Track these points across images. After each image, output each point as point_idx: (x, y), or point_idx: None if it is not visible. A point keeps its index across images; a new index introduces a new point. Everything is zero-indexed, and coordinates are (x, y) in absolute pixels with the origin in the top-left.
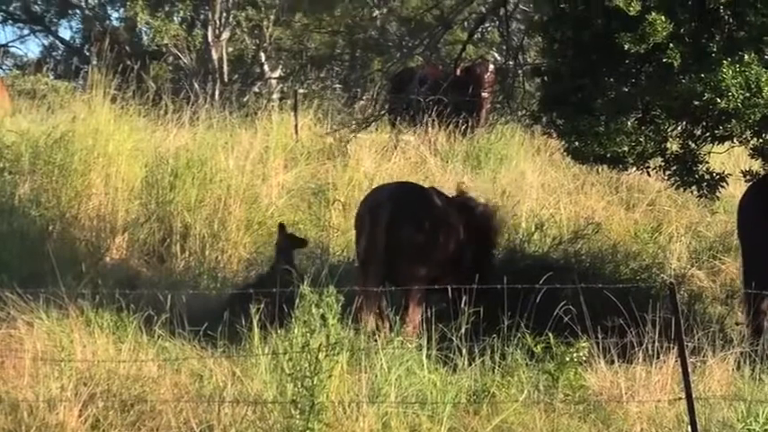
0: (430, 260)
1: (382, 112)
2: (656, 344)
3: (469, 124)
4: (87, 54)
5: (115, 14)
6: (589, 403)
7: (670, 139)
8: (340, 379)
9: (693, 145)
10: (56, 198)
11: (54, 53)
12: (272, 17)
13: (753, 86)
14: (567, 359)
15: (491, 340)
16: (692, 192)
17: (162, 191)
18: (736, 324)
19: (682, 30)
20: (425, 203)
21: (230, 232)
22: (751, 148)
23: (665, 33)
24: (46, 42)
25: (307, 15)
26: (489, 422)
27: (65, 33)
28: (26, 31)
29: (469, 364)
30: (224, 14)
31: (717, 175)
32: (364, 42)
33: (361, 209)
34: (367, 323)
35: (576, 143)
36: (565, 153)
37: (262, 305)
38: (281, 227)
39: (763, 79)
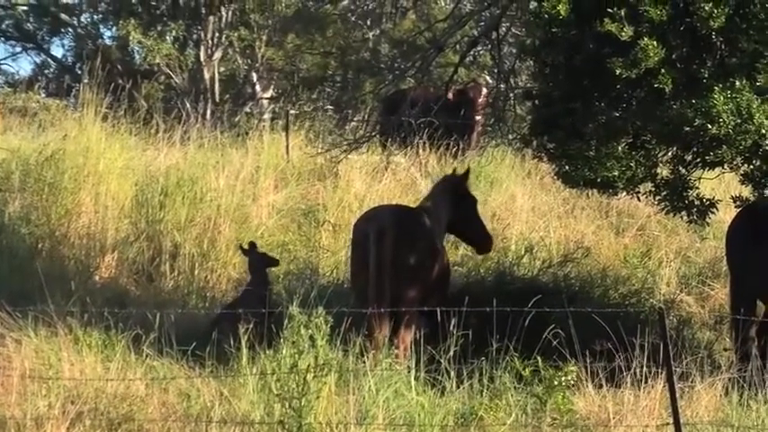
0: (423, 283)
1: (373, 134)
2: (645, 368)
3: (460, 147)
4: (79, 72)
5: (107, 33)
6: (577, 427)
7: (660, 165)
8: (328, 400)
9: (684, 170)
10: (45, 216)
11: (46, 71)
12: (264, 38)
13: (744, 113)
14: (556, 383)
15: (479, 363)
16: (681, 217)
17: (152, 210)
18: (725, 350)
19: (673, 55)
20: (422, 227)
21: (220, 252)
22: (741, 175)
23: (656, 59)
24: (38, 60)
25: (299, 36)
26: None
27: (57, 51)
28: (18, 49)
29: (458, 387)
30: (216, 34)
31: (707, 200)
32: (356, 64)
33: (361, 231)
34: (380, 343)
35: (567, 167)
36: (555, 177)
37: (250, 325)
38: (252, 245)
39: (755, 106)
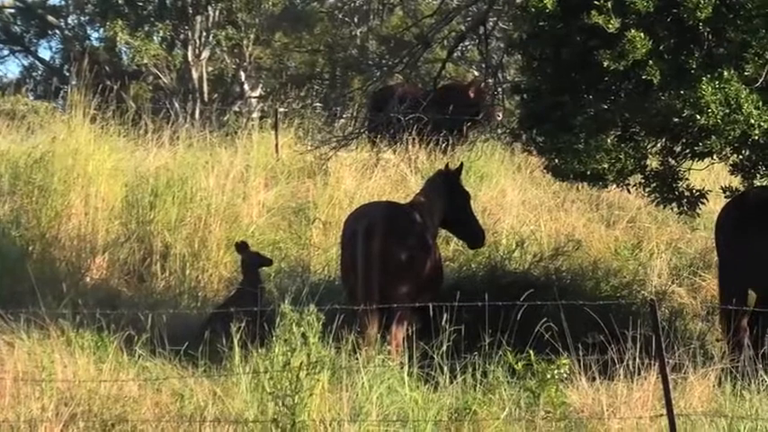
0: (416, 279)
1: (362, 131)
2: (637, 360)
3: (450, 142)
4: (67, 74)
5: (95, 34)
6: (570, 420)
7: (650, 156)
8: (321, 397)
9: (673, 161)
10: (36, 218)
11: (34, 73)
12: (251, 36)
13: (732, 103)
14: (549, 376)
15: (472, 358)
16: (672, 208)
17: (142, 210)
18: (717, 340)
19: (661, 46)
20: (413, 223)
21: (211, 251)
22: (731, 165)
23: (644, 50)
24: (25, 63)
25: (286, 34)
26: None
27: (44, 53)
28: (5, 52)
29: (451, 382)
30: (204, 34)
31: (697, 191)
32: (344, 61)
33: (350, 228)
34: (372, 340)
35: (557, 160)
36: (545, 170)
37: (242, 324)
38: (244, 245)
39: (743, 96)
